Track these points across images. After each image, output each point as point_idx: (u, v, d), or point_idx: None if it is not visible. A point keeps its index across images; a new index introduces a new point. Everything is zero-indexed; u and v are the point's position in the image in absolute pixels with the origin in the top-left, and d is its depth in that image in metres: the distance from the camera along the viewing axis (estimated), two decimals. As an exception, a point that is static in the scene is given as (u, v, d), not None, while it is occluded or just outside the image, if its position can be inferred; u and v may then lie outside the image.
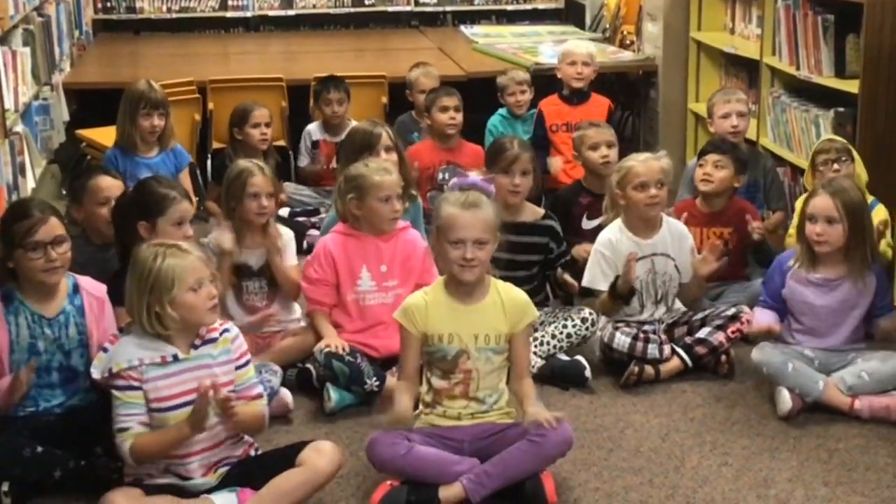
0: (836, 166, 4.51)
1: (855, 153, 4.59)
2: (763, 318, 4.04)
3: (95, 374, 3.19)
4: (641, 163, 4.28)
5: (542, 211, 4.56)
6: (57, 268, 3.44)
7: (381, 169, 4.16)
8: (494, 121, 6.11)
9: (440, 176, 5.53)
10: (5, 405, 3.43)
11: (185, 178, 5.43)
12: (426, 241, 4.27)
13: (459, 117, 5.60)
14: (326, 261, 4.15)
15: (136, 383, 3.14)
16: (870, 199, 4.63)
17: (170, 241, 3.26)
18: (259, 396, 3.33)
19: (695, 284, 4.36)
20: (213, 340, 3.25)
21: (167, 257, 3.13)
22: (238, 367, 3.29)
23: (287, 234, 4.39)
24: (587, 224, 4.85)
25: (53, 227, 3.44)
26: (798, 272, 3.99)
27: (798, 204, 4.17)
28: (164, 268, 3.11)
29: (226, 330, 3.30)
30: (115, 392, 3.15)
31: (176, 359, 3.18)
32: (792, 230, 4.44)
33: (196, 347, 3.22)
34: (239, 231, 4.25)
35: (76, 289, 3.56)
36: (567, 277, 4.36)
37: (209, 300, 3.18)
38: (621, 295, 4.22)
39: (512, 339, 3.40)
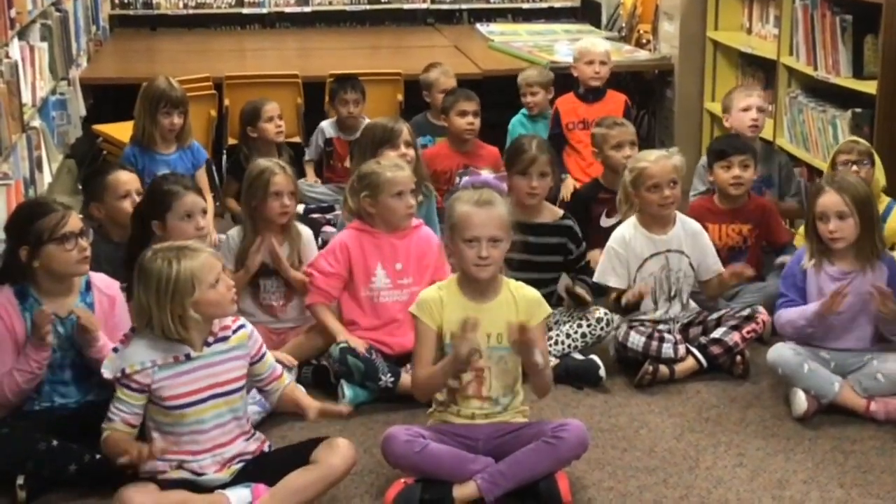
0: (855, 168, 4.48)
1: (876, 157, 4.56)
2: (788, 315, 3.98)
3: (107, 374, 3.18)
4: (654, 163, 4.25)
5: (560, 211, 4.53)
6: (88, 257, 3.47)
7: (394, 165, 4.16)
8: (515, 122, 6.10)
9: (458, 179, 5.46)
10: (37, 367, 3.40)
11: (202, 175, 5.44)
12: (440, 238, 4.28)
13: (477, 122, 5.55)
14: (342, 255, 4.13)
15: (142, 387, 3.15)
16: (887, 201, 4.61)
17: (176, 244, 3.22)
18: (281, 376, 3.42)
19: (716, 283, 4.34)
20: (226, 339, 3.26)
21: (181, 260, 3.10)
22: (255, 362, 3.33)
23: (306, 233, 4.38)
24: (606, 222, 4.84)
25: (76, 218, 3.48)
26: (814, 268, 3.94)
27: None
28: (182, 271, 3.09)
29: (241, 326, 3.32)
30: (119, 388, 3.17)
31: (188, 357, 3.18)
32: (801, 229, 4.41)
33: (209, 345, 3.23)
34: (259, 230, 4.24)
35: (88, 286, 3.57)
36: (579, 290, 4.30)
37: (229, 291, 3.20)
38: (624, 308, 4.22)
39: None
